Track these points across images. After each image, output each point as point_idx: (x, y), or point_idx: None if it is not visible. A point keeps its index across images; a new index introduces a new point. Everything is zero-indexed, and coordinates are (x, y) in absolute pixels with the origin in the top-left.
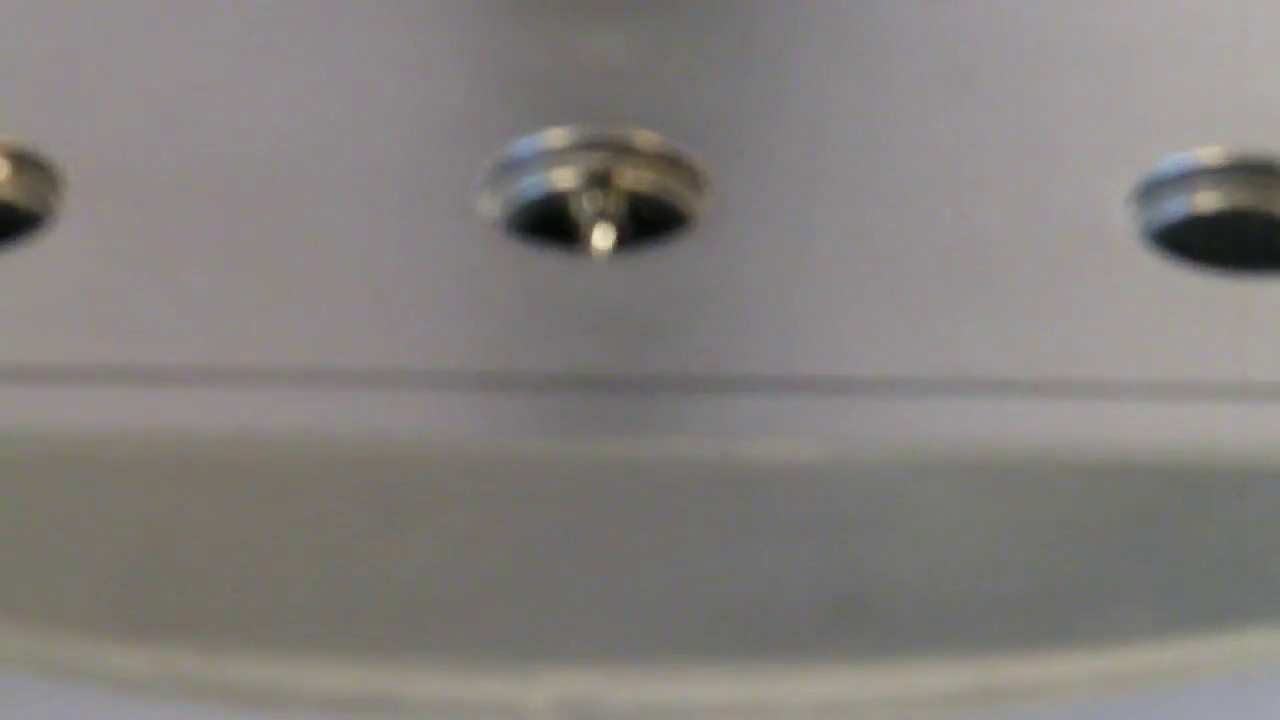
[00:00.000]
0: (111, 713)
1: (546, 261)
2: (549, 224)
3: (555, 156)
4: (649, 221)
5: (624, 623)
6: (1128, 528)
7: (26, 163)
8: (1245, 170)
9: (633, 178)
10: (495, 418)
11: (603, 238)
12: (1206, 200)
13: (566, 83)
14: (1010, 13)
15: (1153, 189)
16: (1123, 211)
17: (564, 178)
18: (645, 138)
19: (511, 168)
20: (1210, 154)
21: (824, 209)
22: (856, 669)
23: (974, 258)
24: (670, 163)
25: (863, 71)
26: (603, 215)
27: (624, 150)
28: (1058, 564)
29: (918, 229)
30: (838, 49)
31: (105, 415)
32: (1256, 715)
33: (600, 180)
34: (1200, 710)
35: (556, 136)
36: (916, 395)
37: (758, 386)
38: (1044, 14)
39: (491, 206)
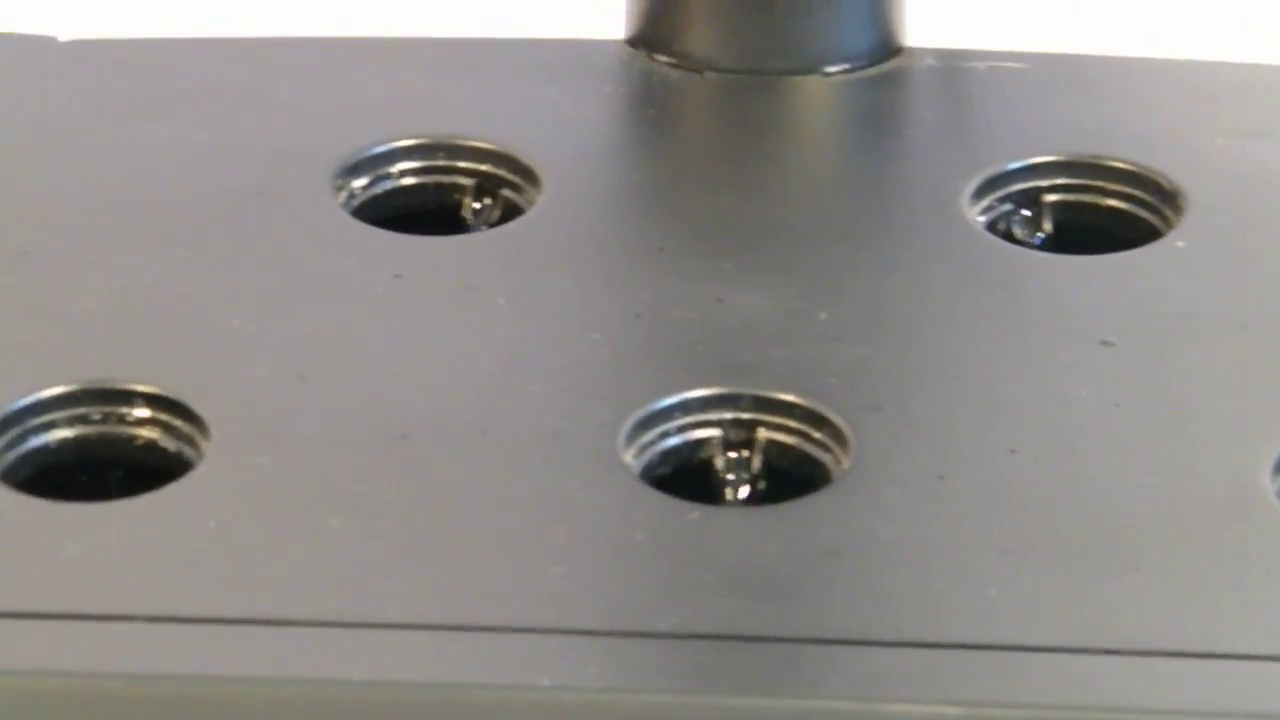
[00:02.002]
0: None
1: (687, 514)
2: (691, 477)
3: (699, 411)
4: (789, 477)
5: None
6: None
7: (173, 411)
8: None
9: (774, 434)
10: (632, 671)
11: (743, 492)
12: None
13: (711, 340)
14: (1149, 279)
15: None
16: (1265, 479)
17: (706, 432)
18: (787, 395)
19: (655, 421)
20: None
21: (962, 469)
22: None
23: (1113, 523)
24: (811, 420)
25: (1002, 333)
26: (743, 470)
27: (766, 406)
28: None
29: (1057, 492)
30: (977, 312)
31: (243, 664)
32: None
33: (742, 436)
34: None
35: (700, 392)
36: (1054, 660)
37: (895, 646)
38: (1182, 284)
39: (635, 459)
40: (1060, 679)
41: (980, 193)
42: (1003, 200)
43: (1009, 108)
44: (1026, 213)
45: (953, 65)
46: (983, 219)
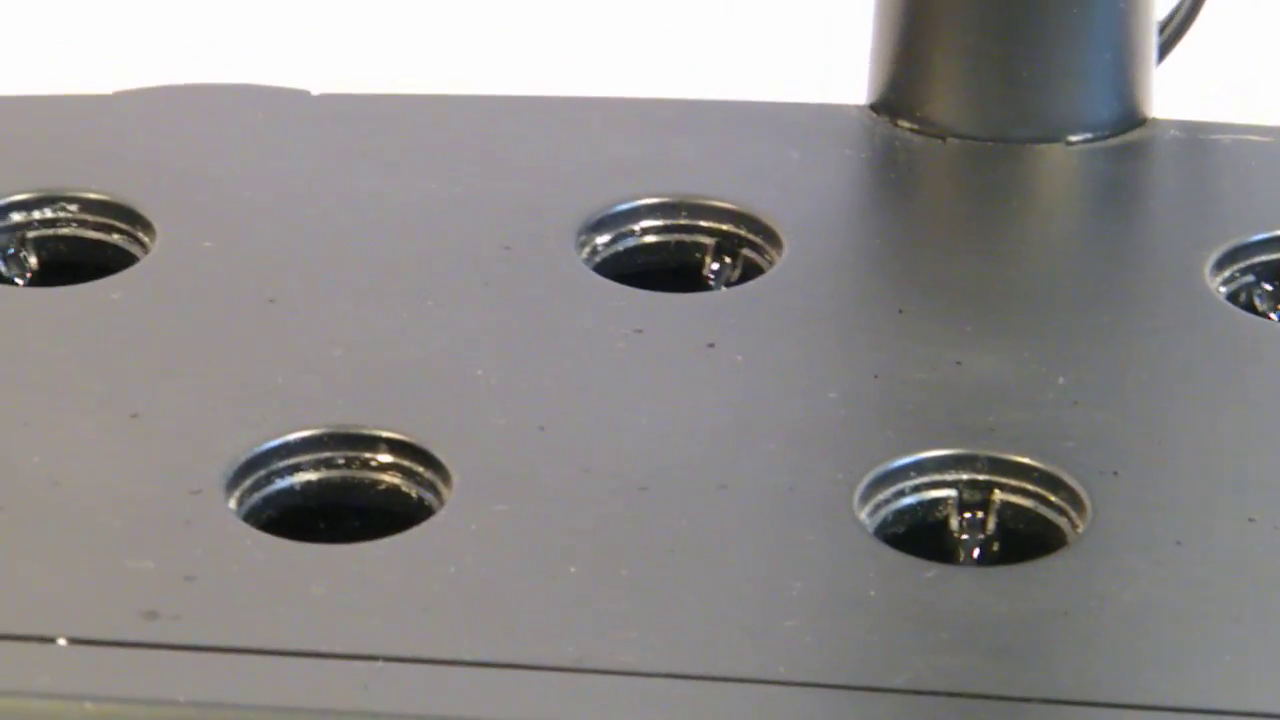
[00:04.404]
0: None
1: (922, 572)
2: (925, 537)
3: (934, 472)
4: (1023, 539)
5: None
6: None
7: (416, 457)
8: None
9: (1010, 496)
10: None
11: (976, 553)
12: None
13: (948, 401)
14: None
15: None
16: None
17: (942, 492)
18: (1024, 458)
19: (891, 480)
20: None
21: (1200, 536)
22: None
23: None
24: (1048, 483)
25: (1241, 403)
26: (978, 531)
27: (1002, 469)
28: None
29: None
30: (1217, 381)
31: (481, 706)
32: None
33: (977, 497)
34: None
35: (937, 453)
36: None
37: (1126, 709)
38: None
39: (869, 517)
40: None
41: (1222, 264)
42: (1245, 271)
43: (1252, 180)
44: (1268, 285)
45: (1197, 137)
46: (1224, 290)
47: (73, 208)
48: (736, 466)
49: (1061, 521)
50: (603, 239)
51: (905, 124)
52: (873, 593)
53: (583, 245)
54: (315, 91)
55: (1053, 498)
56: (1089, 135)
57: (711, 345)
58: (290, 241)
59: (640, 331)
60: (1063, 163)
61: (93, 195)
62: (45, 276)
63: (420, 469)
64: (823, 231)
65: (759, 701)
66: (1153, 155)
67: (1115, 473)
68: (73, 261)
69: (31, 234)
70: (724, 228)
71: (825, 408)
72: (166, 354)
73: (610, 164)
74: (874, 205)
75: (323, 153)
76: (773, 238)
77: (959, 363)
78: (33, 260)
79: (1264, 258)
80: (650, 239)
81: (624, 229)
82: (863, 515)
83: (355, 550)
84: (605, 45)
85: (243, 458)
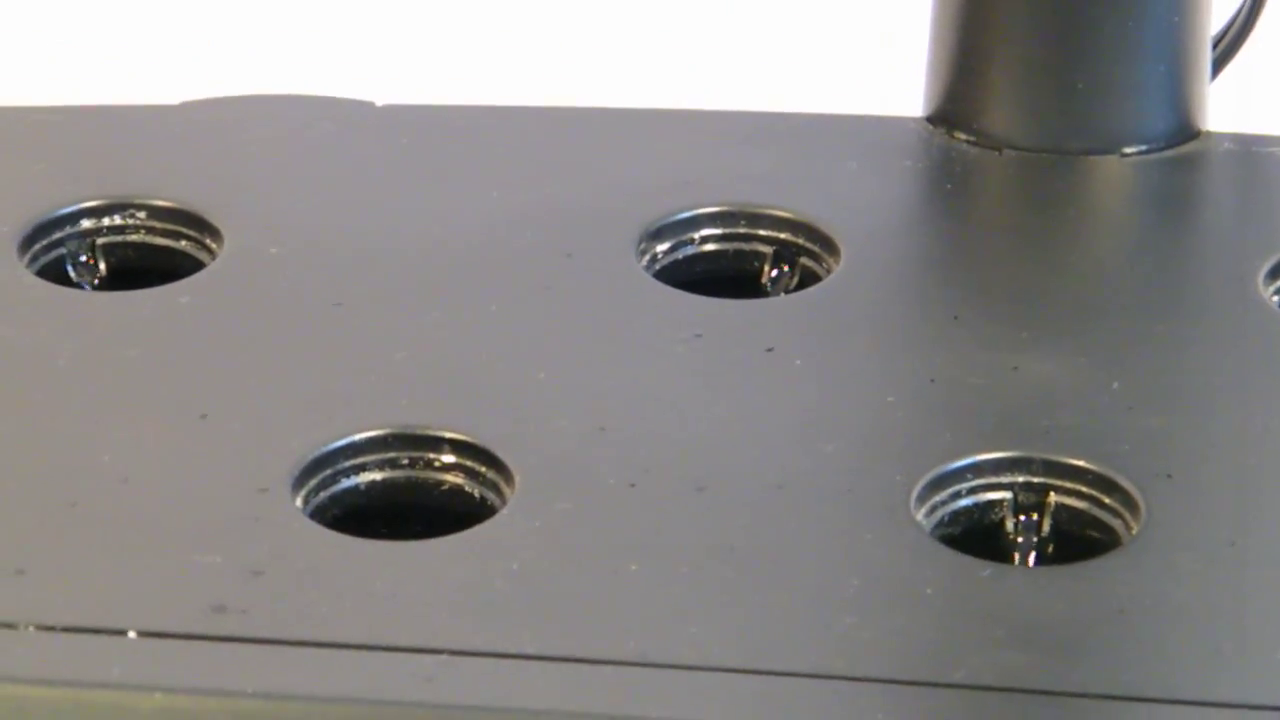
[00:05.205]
0: None
1: (978, 571)
2: (980, 538)
3: (990, 474)
4: (1077, 541)
5: None
6: None
7: (479, 458)
8: None
9: (1064, 498)
10: None
11: (1032, 553)
12: None
13: (1004, 405)
14: None
15: None
16: None
17: (997, 494)
18: (1079, 460)
19: (948, 482)
20: None
21: (1254, 536)
22: None
23: None
24: (1102, 485)
25: None
26: (1032, 533)
27: (1057, 471)
28: None
29: None
30: (1270, 387)
31: (543, 699)
32: None
33: (1033, 499)
34: None
35: (992, 455)
36: None
37: (1182, 704)
38: None
39: (926, 518)
40: None
41: (1275, 273)
42: None
43: None
44: None
45: (1250, 150)
46: (1277, 299)
47: (141, 215)
48: (794, 467)
49: (1116, 523)
50: (662, 246)
51: (961, 135)
52: (929, 591)
53: (643, 253)
54: (380, 103)
55: (1107, 500)
56: (1143, 147)
57: (770, 350)
58: (355, 247)
59: (699, 336)
60: (1117, 174)
61: (161, 203)
62: (114, 282)
63: (483, 469)
64: (879, 240)
65: (817, 696)
66: (1207, 167)
67: (1169, 475)
68: (141, 267)
69: (101, 240)
70: (782, 236)
71: (883, 411)
72: (234, 357)
73: (670, 174)
74: (930, 215)
75: (387, 162)
76: (830, 246)
77: (1015, 368)
78: (102, 266)
79: None
80: (709, 247)
81: (683, 237)
82: (919, 516)
83: (419, 547)
84: (666, 58)
85: (309, 457)
